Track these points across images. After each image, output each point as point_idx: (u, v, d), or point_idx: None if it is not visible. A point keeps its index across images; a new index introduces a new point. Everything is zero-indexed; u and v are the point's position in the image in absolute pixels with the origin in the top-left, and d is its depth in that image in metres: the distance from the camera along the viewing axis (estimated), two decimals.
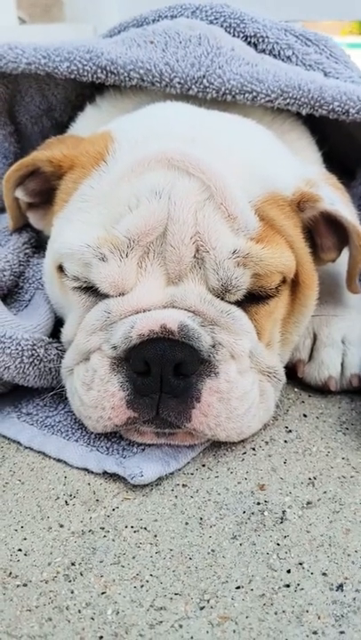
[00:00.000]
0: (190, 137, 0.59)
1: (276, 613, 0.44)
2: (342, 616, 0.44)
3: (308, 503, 0.54)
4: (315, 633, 0.43)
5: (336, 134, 0.83)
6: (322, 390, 0.69)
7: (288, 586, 0.46)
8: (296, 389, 0.71)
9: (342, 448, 0.61)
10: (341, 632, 0.43)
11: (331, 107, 0.68)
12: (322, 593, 0.46)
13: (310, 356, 0.70)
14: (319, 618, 0.44)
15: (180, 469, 0.58)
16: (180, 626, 0.43)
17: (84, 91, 0.81)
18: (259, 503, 0.54)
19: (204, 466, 0.59)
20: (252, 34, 0.72)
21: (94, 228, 0.56)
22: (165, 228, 0.54)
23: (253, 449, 0.61)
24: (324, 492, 0.55)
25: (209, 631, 0.43)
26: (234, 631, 0.43)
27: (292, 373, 0.70)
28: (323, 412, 0.67)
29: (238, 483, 0.57)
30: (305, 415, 0.66)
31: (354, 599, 0.45)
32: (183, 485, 0.56)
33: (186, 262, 0.54)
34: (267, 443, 0.62)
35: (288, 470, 0.58)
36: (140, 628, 0.43)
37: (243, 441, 0.61)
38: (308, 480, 0.57)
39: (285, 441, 0.62)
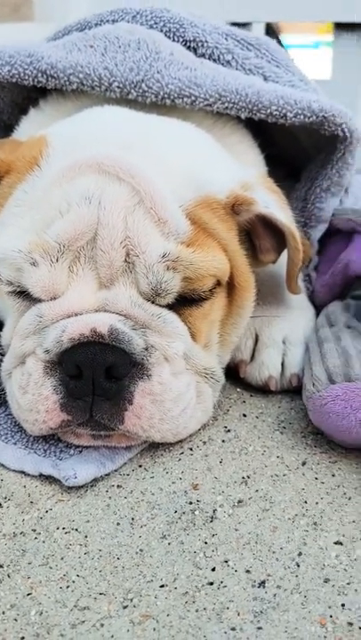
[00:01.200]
0: (125, 141, 0.60)
1: (197, 611, 0.45)
2: (261, 612, 0.45)
3: (240, 502, 0.55)
4: (233, 629, 0.44)
5: (282, 137, 0.84)
6: (263, 390, 0.70)
7: (212, 583, 0.47)
8: (238, 389, 0.72)
9: (278, 447, 0.62)
10: (259, 628, 0.44)
11: (268, 111, 0.69)
12: (244, 590, 0.47)
13: (252, 357, 0.71)
14: (239, 614, 0.45)
15: (116, 470, 0.59)
16: (102, 625, 0.44)
17: (30, 94, 0.81)
18: (191, 503, 0.55)
19: (140, 466, 0.60)
20: (192, 38, 0.73)
21: (27, 233, 0.56)
22: (95, 232, 0.55)
23: (191, 449, 0.62)
24: (256, 491, 0.56)
25: (130, 630, 0.44)
26: (154, 629, 0.44)
27: (235, 374, 0.71)
28: (263, 411, 0.68)
29: (173, 483, 0.57)
30: (245, 415, 0.67)
31: (274, 595, 0.46)
32: (118, 486, 0.57)
33: (116, 266, 0.55)
34: (204, 443, 0.63)
35: (223, 470, 0.59)
36: (61, 628, 0.44)
37: (181, 441, 0.62)
38: (241, 479, 0.58)
39: (223, 441, 0.63)
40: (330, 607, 0.45)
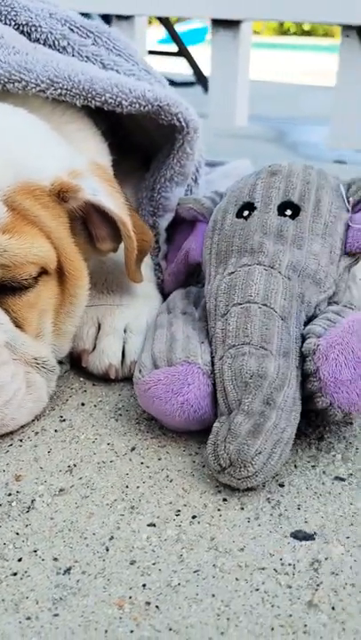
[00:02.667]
0: None
1: None
2: (61, 599, 0.45)
3: (61, 490, 0.55)
4: (28, 619, 0.43)
5: (134, 127, 0.85)
6: (105, 379, 0.70)
7: (15, 574, 0.47)
8: (81, 379, 0.71)
9: (110, 434, 0.62)
10: (55, 615, 0.43)
11: (103, 98, 0.69)
12: (47, 578, 0.46)
13: (95, 346, 0.71)
14: (37, 603, 0.44)
15: None
16: None
17: None
18: (10, 494, 0.54)
19: None
20: (25, 22, 0.71)
21: None
22: None
23: (21, 440, 0.61)
24: (80, 479, 0.56)
25: None
26: None
27: (78, 363, 0.71)
28: (102, 399, 0.68)
29: None
30: (83, 404, 0.67)
31: (77, 581, 0.46)
32: None
33: None
34: (37, 433, 0.62)
35: (50, 459, 0.58)
36: None
37: (11, 433, 0.61)
38: (67, 468, 0.57)
39: (56, 430, 0.63)
40: (131, 589, 0.46)
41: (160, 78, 0.81)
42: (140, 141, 0.88)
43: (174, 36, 3.44)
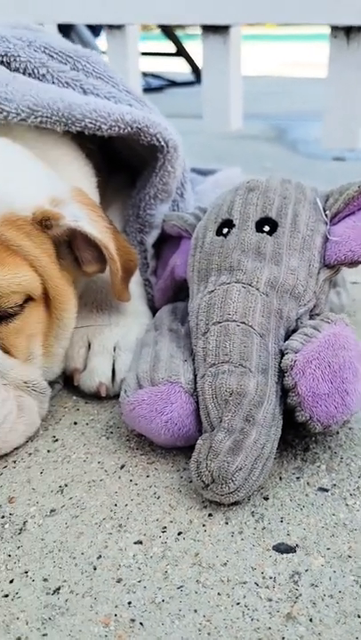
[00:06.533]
0: None
1: None
2: (50, 619, 0.47)
3: (52, 511, 0.57)
4: (18, 639, 0.45)
5: (120, 144, 0.86)
6: (97, 397, 0.72)
7: (7, 595, 0.49)
8: (74, 397, 0.73)
9: (100, 452, 0.64)
10: (44, 634, 0.45)
11: (83, 124, 0.70)
12: (37, 599, 0.48)
13: (86, 365, 0.73)
14: (27, 623, 0.46)
15: None
16: None
17: None
18: (3, 516, 0.56)
19: None
20: (4, 53, 0.73)
21: None
22: None
23: (15, 462, 0.63)
24: (70, 499, 0.58)
25: None
26: None
27: (71, 382, 0.73)
28: (94, 418, 0.70)
29: None
30: (75, 423, 0.69)
31: (66, 601, 0.48)
32: None
33: None
34: (30, 454, 0.64)
35: (42, 480, 0.60)
36: None
37: (5, 455, 0.63)
38: (58, 488, 0.59)
39: (49, 450, 0.65)
40: (117, 606, 0.48)
41: (141, 98, 0.82)
42: (128, 158, 0.89)
43: (172, 37, 3.45)
